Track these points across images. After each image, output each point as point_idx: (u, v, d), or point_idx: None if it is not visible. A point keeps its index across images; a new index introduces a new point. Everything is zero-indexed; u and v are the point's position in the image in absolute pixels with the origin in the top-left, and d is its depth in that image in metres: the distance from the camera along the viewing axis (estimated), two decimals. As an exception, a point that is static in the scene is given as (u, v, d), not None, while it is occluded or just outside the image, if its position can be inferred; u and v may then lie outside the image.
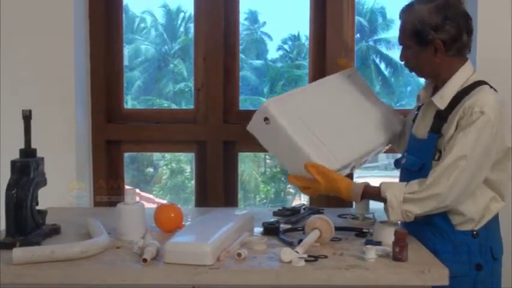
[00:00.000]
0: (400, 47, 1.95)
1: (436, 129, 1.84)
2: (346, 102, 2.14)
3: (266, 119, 1.91)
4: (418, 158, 1.89)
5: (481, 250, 1.82)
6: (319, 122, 1.96)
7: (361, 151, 2.02)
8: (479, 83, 1.84)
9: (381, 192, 1.80)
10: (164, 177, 15.99)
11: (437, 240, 1.83)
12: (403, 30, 1.91)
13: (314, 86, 2.22)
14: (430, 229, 1.85)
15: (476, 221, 1.82)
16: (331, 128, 1.98)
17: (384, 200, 1.79)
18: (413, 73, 1.97)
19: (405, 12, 1.90)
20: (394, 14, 18.96)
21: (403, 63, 1.95)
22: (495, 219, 1.87)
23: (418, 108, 2.03)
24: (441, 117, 1.84)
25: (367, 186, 1.87)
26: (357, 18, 2.69)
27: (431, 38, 1.83)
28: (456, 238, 1.82)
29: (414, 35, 1.86)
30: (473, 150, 1.73)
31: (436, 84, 1.93)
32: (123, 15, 2.71)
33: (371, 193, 1.86)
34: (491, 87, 1.84)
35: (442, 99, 1.85)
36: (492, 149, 1.77)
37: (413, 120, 2.02)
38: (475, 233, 1.81)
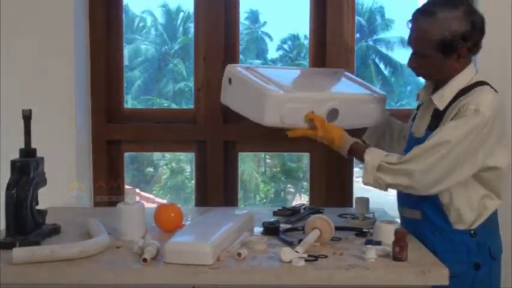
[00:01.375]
0: (411, 52, 1.87)
1: (433, 127, 1.83)
2: (316, 78, 2.21)
3: (230, 80, 2.06)
4: None
5: (479, 249, 1.82)
6: (280, 76, 2.06)
7: (320, 96, 2.05)
8: (480, 84, 1.82)
9: (363, 152, 1.85)
10: (164, 177, 16.00)
11: (436, 239, 1.84)
12: (422, 39, 1.81)
13: (287, 68, 2.34)
14: (430, 228, 1.85)
15: (473, 220, 1.81)
16: (291, 79, 2.11)
17: (363, 160, 1.85)
18: (413, 73, 1.95)
19: (424, 20, 1.80)
20: (393, 13, 18.98)
21: (410, 68, 1.89)
22: (493, 218, 1.86)
23: (418, 107, 2.02)
24: (438, 115, 1.84)
25: (356, 142, 1.93)
26: (356, 18, 2.69)
27: (459, 47, 1.78)
28: (455, 237, 1.82)
29: (441, 46, 1.78)
30: (459, 142, 1.72)
31: (437, 83, 1.91)
32: (123, 15, 2.71)
33: (357, 150, 1.91)
34: (491, 87, 1.82)
35: (441, 99, 1.84)
36: (481, 148, 1.74)
37: (413, 120, 2.01)
38: (472, 232, 1.81)
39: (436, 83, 1.91)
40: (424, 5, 1.84)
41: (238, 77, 2.05)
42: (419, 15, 1.82)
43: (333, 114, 2.01)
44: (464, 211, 1.80)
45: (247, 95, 2.02)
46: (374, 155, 1.83)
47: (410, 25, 1.85)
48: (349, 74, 2.34)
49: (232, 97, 2.09)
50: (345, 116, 2.03)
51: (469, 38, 1.77)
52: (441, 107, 1.83)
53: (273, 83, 1.98)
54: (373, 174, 1.81)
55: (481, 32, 1.81)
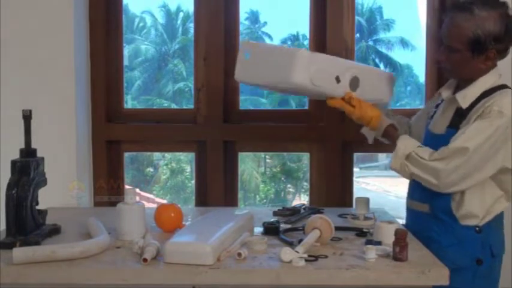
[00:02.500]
0: (443, 45, 1.87)
1: (455, 125, 1.86)
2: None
3: (246, 54, 2.02)
4: None
5: (482, 246, 1.85)
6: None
7: (343, 62, 2.05)
8: (503, 87, 1.85)
9: (397, 137, 1.89)
10: (164, 177, 15.99)
11: (442, 232, 1.87)
12: (455, 33, 1.82)
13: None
14: (436, 222, 1.88)
15: (481, 218, 1.84)
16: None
17: (395, 145, 1.87)
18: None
19: (461, 15, 1.80)
20: (393, 14, 18.98)
21: (437, 61, 1.92)
22: (499, 218, 1.89)
23: (437, 105, 2.02)
24: (461, 114, 1.86)
25: (391, 125, 1.97)
26: (356, 18, 2.69)
27: (489, 48, 1.79)
28: (460, 232, 1.85)
29: (472, 43, 1.79)
30: (481, 145, 1.75)
31: (459, 82, 1.92)
32: (123, 15, 2.71)
33: (391, 133, 1.96)
34: None
35: (465, 98, 1.85)
36: (502, 149, 1.78)
37: (432, 117, 2.02)
38: (478, 229, 1.84)
39: (458, 82, 1.93)
40: (463, 1, 1.84)
41: (260, 46, 2.05)
42: (456, 9, 1.83)
43: (355, 82, 2.01)
44: (475, 210, 1.84)
45: (273, 60, 1.96)
46: (407, 143, 1.86)
47: (444, 19, 1.87)
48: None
49: (252, 69, 2.02)
50: (364, 87, 2.03)
51: (501, 40, 1.79)
52: (464, 106, 1.85)
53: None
54: (401, 161, 1.85)
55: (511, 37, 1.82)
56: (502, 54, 1.85)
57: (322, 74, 1.93)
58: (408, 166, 1.84)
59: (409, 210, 2.03)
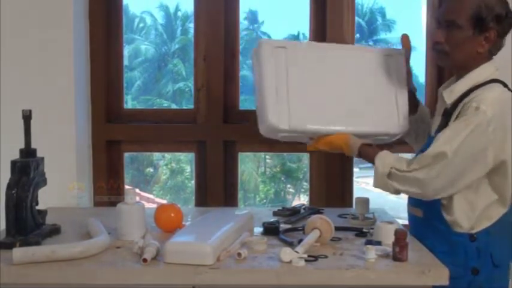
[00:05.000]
0: (441, 26, 1.81)
1: (443, 126, 1.81)
2: (356, 76, 2.02)
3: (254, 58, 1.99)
4: None
5: (479, 255, 1.77)
6: (304, 81, 1.96)
7: (332, 126, 1.96)
8: (493, 81, 1.79)
9: (374, 157, 1.83)
10: (164, 177, 15.98)
11: (435, 239, 1.81)
12: (459, 7, 1.77)
13: (333, 48, 2.13)
14: (430, 228, 1.83)
15: (472, 224, 1.77)
16: (313, 92, 1.96)
17: (373, 164, 1.83)
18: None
19: None
20: (394, 14, 18.98)
21: (436, 44, 1.82)
22: (500, 225, 1.79)
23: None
24: (447, 114, 1.81)
25: (364, 145, 1.90)
26: (356, 18, 2.69)
27: (490, 27, 1.75)
28: (453, 239, 1.79)
29: (474, 19, 1.75)
30: (458, 149, 1.68)
31: (457, 77, 1.86)
32: (123, 15, 2.71)
33: (366, 154, 1.88)
34: (505, 86, 1.79)
35: (451, 94, 1.81)
36: (490, 147, 1.70)
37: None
38: (472, 236, 1.77)
39: (456, 78, 1.86)
40: None
41: (259, 66, 1.96)
42: None
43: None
44: (462, 215, 1.76)
45: (259, 87, 1.96)
46: (385, 160, 1.80)
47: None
48: (399, 59, 2.05)
49: (256, 69, 1.99)
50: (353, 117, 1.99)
51: (502, 22, 1.76)
52: (448, 102, 1.81)
53: (278, 100, 1.92)
54: (383, 180, 1.80)
55: (510, 25, 1.79)
56: (500, 42, 1.80)
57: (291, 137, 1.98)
58: (391, 184, 1.79)
59: (409, 214, 1.98)
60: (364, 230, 1.92)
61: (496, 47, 1.81)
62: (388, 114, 2.00)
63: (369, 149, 1.89)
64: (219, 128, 2.63)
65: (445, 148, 1.69)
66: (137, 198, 1.90)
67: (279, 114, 1.91)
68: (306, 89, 1.95)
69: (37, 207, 1.86)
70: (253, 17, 20.08)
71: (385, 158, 1.81)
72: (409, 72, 2.05)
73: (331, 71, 2.00)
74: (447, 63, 1.89)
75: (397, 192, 1.81)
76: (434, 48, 1.85)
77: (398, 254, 1.62)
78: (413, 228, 1.93)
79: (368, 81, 2.02)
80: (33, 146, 1.86)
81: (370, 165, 1.86)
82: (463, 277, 1.76)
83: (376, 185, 1.83)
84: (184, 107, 12.73)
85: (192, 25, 2.74)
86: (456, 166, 1.71)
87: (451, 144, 1.69)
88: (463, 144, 1.69)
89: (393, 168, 1.78)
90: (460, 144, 1.69)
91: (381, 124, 2.00)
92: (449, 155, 1.69)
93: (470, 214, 1.77)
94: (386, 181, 1.80)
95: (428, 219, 1.84)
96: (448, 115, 1.81)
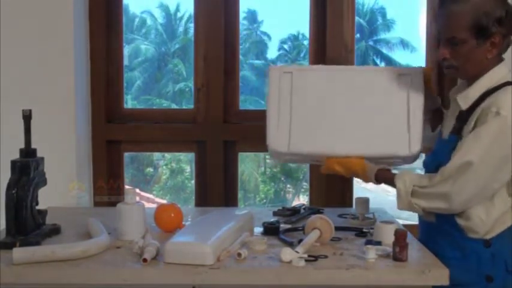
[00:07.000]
0: (442, 42, 1.76)
1: (457, 130, 1.77)
2: (363, 98, 1.99)
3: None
4: (436, 158, 1.82)
5: (493, 261, 1.71)
6: (309, 105, 1.99)
7: (334, 149, 1.95)
8: (508, 84, 1.73)
9: (394, 178, 1.80)
10: (164, 177, 15.99)
11: (447, 244, 1.76)
12: (455, 24, 1.71)
13: (342, 70, 2.14)
14: (442, 233, 1.78)
15: (488, 229, 1.71)
16: (317, 116, 1.99)
17: (395, 186, 1.79)
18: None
19: (457, 5, 1.71)
20: (394, 14, 18.98)
21: (442, 61, 1.77)
22: None
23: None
24: (462, 118, 1.76)
25: (381, 170, 1.88)
26: (356, 18, 2.69)
27: (494, 32, 1.69)
28: (466, 245, 1.73)
29: (475, 28, 1.69)
30: (484, 156, 1.64)
31: (468, 81, 1.80)
32: (123, 15, 2.71)
33: (385, 177, 1.87)
34: None
35: (466, 99, 1.76)
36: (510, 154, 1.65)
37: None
38: (487, 242, 1.71)
39: (468, 82, 1.80)
40: None
41: (269, 87, 2.03)
42: (450, 1, 1.74)
43: None
44: (478, 221, 1.71)
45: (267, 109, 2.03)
46: (406, 180, 1.75)
47: (440, 13, 1.77)
48: (417, 78, 1.98)
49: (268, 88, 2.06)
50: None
51: (504, 23, 1.70)
52: (464, 107, 1.76)
53: (280, 124, 1.99)
54: (408, 200, 1.75)
55: None
56: (507, 41, 1.75)
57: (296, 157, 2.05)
58: (416, 203, 1.73)
59: (420, 220, 1.93)
60: (364, 230, 1.92)
61: (503, 47, 1.77)
62: (397, 136, 1.94)
63: (386, 172, 1.87)
64: (219, 128, 2.63)
65: (470, 157, 1.65)
66: (137, 198, 1.90)
67: (279, 138, 1.98)
68: (310, 113, 1.99)
69: (37, 207, 1.86)
70: (252, 17, 20.07)
71: (406, 177, 1.77)
72: (432, 89, 2.01)
73: (339, 93, 2.00)
74: (459, 76, 1.87)
75: (424, 210, 1.75)
76: (443, 64, 1.79)
77: (398, 254, 1.62)
78: (424, 234, 1.88)
79: (377, 102, 1.98)
80: (33, 146, 1.86)
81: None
82: (476, 284, 1.72)
83: (400, 206, 1.78)
84: (184, 107, 12.74)
85: (192, 25, 2.74)
86: (482, 174, 1.66)
87: (475, 152, 1.65)
88: (488, 152, 1.65)
89: (416, 186, 1.74)
90: (485, 152, 1.65)
91: (387, 146, 1.95)
92: (475, 164, 1.64)
93: (486, 220, 1.71)
94: (411, 201, 1.74)
95: (441, 225, 1.78)
96: (463, 120, 1.76)
